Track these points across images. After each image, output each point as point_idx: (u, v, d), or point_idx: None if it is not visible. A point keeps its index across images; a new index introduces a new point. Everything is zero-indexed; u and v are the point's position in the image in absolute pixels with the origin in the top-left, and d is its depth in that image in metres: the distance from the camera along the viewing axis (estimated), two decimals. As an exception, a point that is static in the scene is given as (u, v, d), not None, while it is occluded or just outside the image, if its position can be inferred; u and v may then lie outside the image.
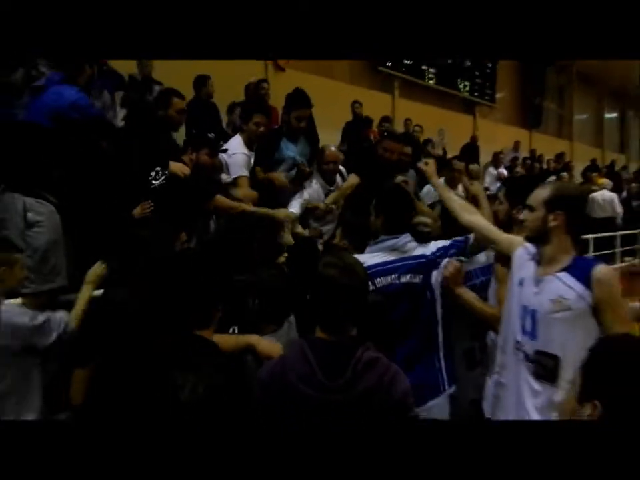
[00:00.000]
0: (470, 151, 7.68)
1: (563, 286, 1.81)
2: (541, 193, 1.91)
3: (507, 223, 2.40)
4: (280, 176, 3.62)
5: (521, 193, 2.16)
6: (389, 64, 9.01)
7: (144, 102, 4.49)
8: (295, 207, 3.50)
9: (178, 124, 3.57)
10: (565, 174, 9.46)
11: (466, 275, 2.38)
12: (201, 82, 5.34)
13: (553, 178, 9.43)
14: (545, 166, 10.62)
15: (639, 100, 17.48)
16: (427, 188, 4.65)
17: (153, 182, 3.09)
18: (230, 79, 5.84)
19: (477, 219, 2.27)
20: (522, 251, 2.03)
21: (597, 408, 1.08)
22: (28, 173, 2.88)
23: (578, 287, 1.79)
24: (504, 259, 2.18)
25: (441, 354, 2.32)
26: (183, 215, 2.84)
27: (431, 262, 2.31)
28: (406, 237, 2.34)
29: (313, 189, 3.63)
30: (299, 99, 3.68)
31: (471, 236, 2.38)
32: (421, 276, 2.29)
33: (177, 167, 3.13)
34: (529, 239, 1.98)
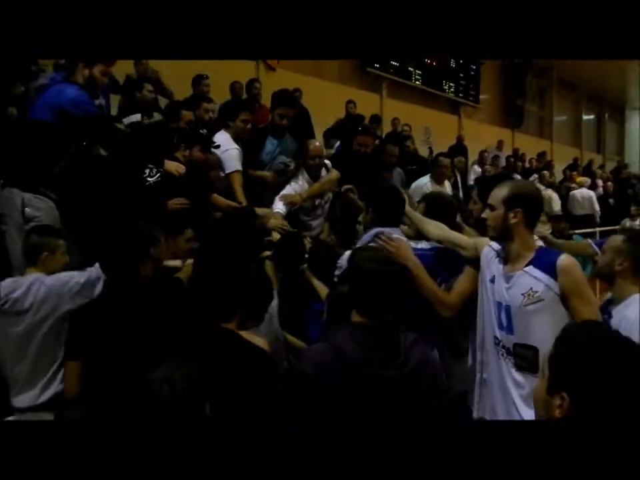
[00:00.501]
0: (457, 150, 7.82)
1: (532, 279, 1.87)
2: (499, 192, 1.95)
3: (481, 221, 2.42)
4: (269, 174, 3.67)
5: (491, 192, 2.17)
6: (377, 65, 9.09)
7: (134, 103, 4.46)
8: (279, 206, 3.51)
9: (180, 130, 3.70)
10: (546, 172, 9.65)
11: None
12: (196, 81, 5.35)
13: (535, 176, 9.64)
14: (527, 165, 10.80)
15: (614, 103, 17.92)
16: (414, 185, 4.78)
17: (148, 179, 3.08)
18: (221, 78, 5.83)
19: (443, 232, 2.32)
20: (488, 249, 2.08)
21: (565, 400, 1.04)
22: (27, 168, 2.85)
23: (545, 278, 1.84)
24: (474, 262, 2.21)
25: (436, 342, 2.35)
26: (183, 213, 2.83)
27: (420, 255, 2.32)
28: (395, 231, 2.37)
29: (299, 185, 3.64)
30: (282, 98, 3.80)
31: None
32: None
33: (171, 165, 3.12)
34: (492, 237, 2.02)
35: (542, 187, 7.82)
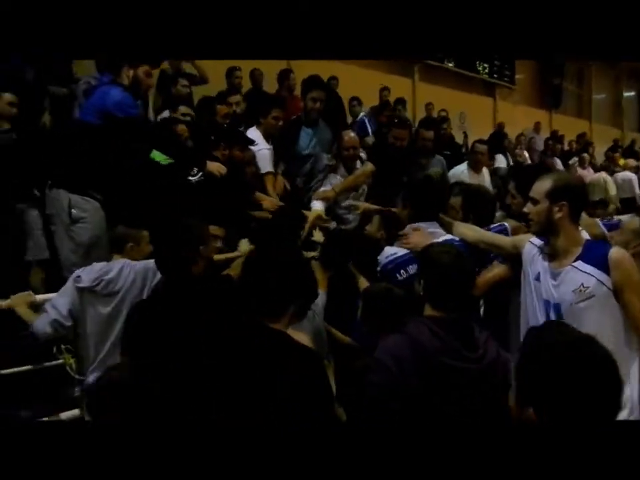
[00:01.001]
0: (497, 139, 7.63)
1: (582, 274, 1.83)
2: (542, 185, 1.91)
3: (524, 216, 2.37)
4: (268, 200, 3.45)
5: (531, 184, 2.10)
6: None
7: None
8: (317, 205, 3.48)
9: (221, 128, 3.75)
10: (585, 155, 9.35)
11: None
12: (229, 73, 5.38)
13: (575, 159, 9.36)
14: (566, 147, 10.48)
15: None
16: (450, 174, 4.66)
17: (190, 178, 3.12)
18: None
19: (478, 233, 2.29)
20: (529, 246, 2.04)
21: (530, 414, 1.06)
22: (74, 170, 2.93)
23: (596, 272, 1.81)
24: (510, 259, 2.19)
25: None
26: (227, 212, 2.87)
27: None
28: (431, 225, 2.34)
29: (337, 180, 3.62)
30: (312, 82, 3.82)
31: (507, 224, 2.41)
32: None
33: (213, 166, 3.15)
34: (536, 232, 1.98)
35: (591, 172, 7.56)
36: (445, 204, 2.43)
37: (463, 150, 7.92)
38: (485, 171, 4.88)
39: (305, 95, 3.76)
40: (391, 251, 2.35)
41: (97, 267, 2.38)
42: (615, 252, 1.83)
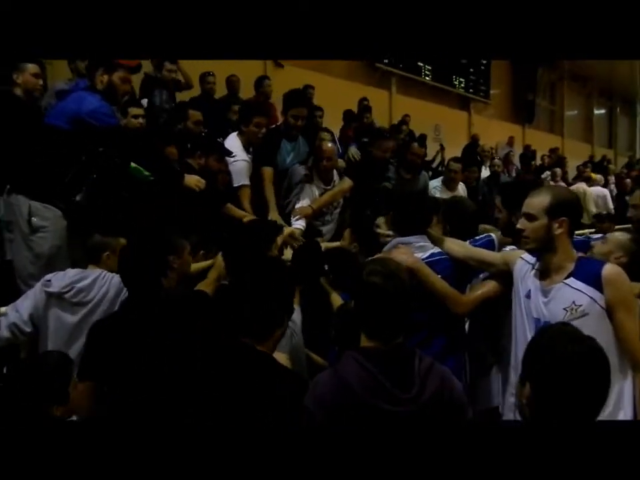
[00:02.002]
0: (470, 152, 7.65)
1: (574, 292, 1.75)
2: (540, 201, 1.81)
3: (508, 230, 2.29)
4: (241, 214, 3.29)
5: (517, 198, 2.07)
6: (386, 61, 8.94)
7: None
8: (298, 223, 3.40)
9: (197, 135, 3.61)
10: (557, 169, 9.47)
11: None
12: (202, 78, 5.27)
13: (547, 173, 9.46)
14: (539, 161, 10.62)
15: (626, 96, 17.66)
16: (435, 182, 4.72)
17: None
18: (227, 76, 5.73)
19: (466, 249, 2.19)
20: (521, 263, 1.96)
21: (527, 389, 1.21)
22: (37, 176, 2.75)
23: (589, 290, 1.73)
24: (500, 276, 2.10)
25: (467, 355, 2.23)
26: (199, 223, 2.72)
27: (439, 260, 2.19)
28: (422, 239, 2.21)
29: (309, 193, 3.53)
30: (295, 98, 3.64)
31: (493, 234, 2.33)
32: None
33: (192, 180, 2.96)
34: (532, 249, 1.90)
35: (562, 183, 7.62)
36: (431, 217, 2.31)
37: (437, 164, 7.95)
38: (460, 188, 4.87)
39: (287, 111, 3.59)
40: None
41: (71, 272, 2.26)
42: (609, 269, 1.74)
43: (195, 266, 2.33)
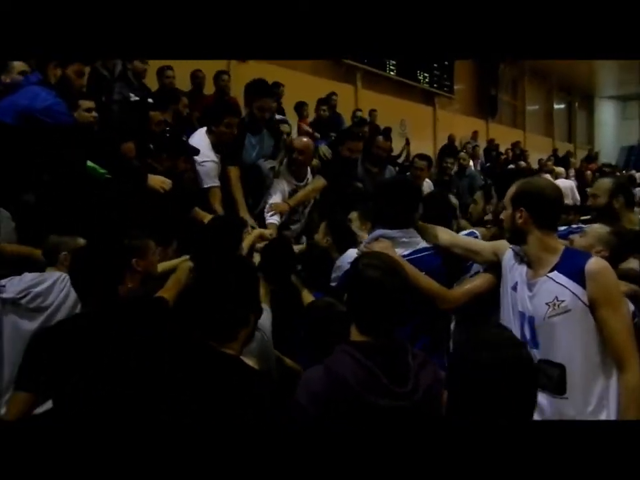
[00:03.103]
0: (449, 151, 7.70)
1: (557, 286, 1.69)
2: (510, 190, 1.82)
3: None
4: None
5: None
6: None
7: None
8: (273, 218, 3.31)
9: (160, 136, 3.45)
10: (522, 163, 9.62)
11: None
12: (160, 73, 5.08)
13: (511, 166, 9.61)
14: (504, 155, 10.78)
15: (584, 92, 18.13)
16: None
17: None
18: (189, 71, 5.56)
19: (452, 237, 2.14)
20: (510, 253, 1.90)
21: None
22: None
23: (571, 285, 1.66)
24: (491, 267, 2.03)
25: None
26: (167, 225, 2.58)
27: (424, 257, 2.12)
28: (409, 233, 2.12)
29: (280, 188, 3.44)
30: (260, 89, 3.50)
31: (477, 231, 2.29)
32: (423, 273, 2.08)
33: (156, 181, 2.82)
34: (507, 239, 1.88)
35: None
36: (417, 209, 2.21)
37: (403, 159, 7.95)
38: (426, 184, 4.81)
39: (251, 102, 3.46)
40: (354, 254, 2.12)
41: (28, 277, 2.13)
42: (593, 263, 1.68)
43: (162, 265, 2.22)
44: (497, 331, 1.28)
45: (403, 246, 2.07)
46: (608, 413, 1.63)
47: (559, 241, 1.83)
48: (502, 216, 1.86)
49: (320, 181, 3.59)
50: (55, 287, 2.08)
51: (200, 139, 3.28)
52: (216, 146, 3.28)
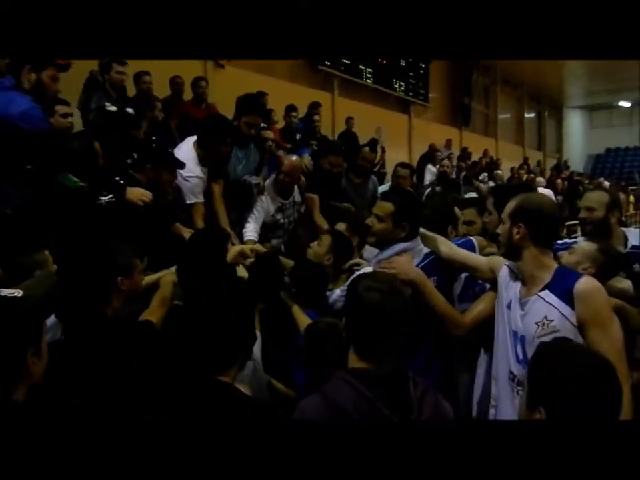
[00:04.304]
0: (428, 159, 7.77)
1: (547, 306, 1.66)
2: (509, 205, 1.79)
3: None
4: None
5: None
6: (328, 63, 8.88)
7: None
8: (250, 233, 3.23)
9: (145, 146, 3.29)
10: (499, 172, 9.76)
11: None
12: (137, 78, 4.97)
13: (484, 174, 9.74)
14: (477, 163, 10.90)
15: (553, 101, 18.58)
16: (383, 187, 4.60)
17: (101, 198, 2.68)
18: (166, 76, 5.47)
19: (452, 250, 2.10)
20: (505, 270, 1.88)
21: (542, 414, 1.15)
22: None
23: (560, 305, 1.64)
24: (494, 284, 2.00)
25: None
26: (143, 239, 2.43)
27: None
28: (415, 242, 2.08)
29: (263, 206, 3.37)
30: (250, 105, 3.41)
31: (473, 238, 2.27)
32: (435, 277, 2.06)
33: (135, 194, 2.66)
34: (503, 255, 1.86)
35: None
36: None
37: (378, 167, 7.97)
38: None
39: (240, 117, 3.35)
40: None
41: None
42: (582, 283, 1.65)
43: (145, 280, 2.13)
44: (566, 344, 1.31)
45: (417, 255, 2.06)
46: None
47: (552, 259, 1.82)
48: (499, 230, 1.84)
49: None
50: None
51: (187, 151, 3.14)
52: (203, 160, 3.14)
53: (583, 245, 2.15)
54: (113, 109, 4.10)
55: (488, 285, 2.13)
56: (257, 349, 1.90)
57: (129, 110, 4.06)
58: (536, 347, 1.62)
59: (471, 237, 2.31)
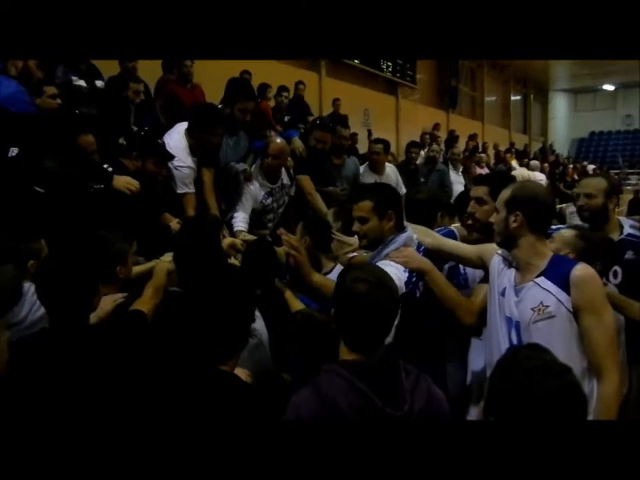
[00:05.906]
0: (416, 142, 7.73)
1: (543, 292, 1.69)
2: (503, 194, 1.80)
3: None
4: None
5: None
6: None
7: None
8: (240, 224, 3.18)
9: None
10: (483, 155, 9.75)
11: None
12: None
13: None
14: (463, 147, 10.88)
15: (539, 84, 18.61)
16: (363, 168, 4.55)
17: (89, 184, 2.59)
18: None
19: (437, 240, 2.11)
20: (497, 258, 1.89)
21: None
22: None
23: (556, 291, 1.67)
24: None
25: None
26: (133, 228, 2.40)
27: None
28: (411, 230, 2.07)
29: (252, 193, 3.31)
30: (242, 91, 3.30)
31: (454, 227, 2.28)
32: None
33: (121, 182, 2.60)
34: (497, 243, 1.86)
35: (487, 171, 7.82)
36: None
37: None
38: (390, 170, 4.61)
39: (232, 103, 3.24)
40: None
41: None
42: (579, 270, 1.68)
43: (135, 269, 2.09)
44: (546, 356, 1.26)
45: (413, 244, 2.06)
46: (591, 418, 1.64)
47: (547, 246, 1.83)
48: (493, 219, 1.84)
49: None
50: (26, 299, 1.83)
51: (178, 140, 3.04)
52: (194, 149, 3.06)
53: (562, 231, 2.16)
54: (80, 82, 3.87)
55: (471, 276, 2.18)
56: (260, 324, 1.88)
57: (99, 83, 3.92)
58: (533, 335, 1.65)
59: (451, 227, 2.31)
